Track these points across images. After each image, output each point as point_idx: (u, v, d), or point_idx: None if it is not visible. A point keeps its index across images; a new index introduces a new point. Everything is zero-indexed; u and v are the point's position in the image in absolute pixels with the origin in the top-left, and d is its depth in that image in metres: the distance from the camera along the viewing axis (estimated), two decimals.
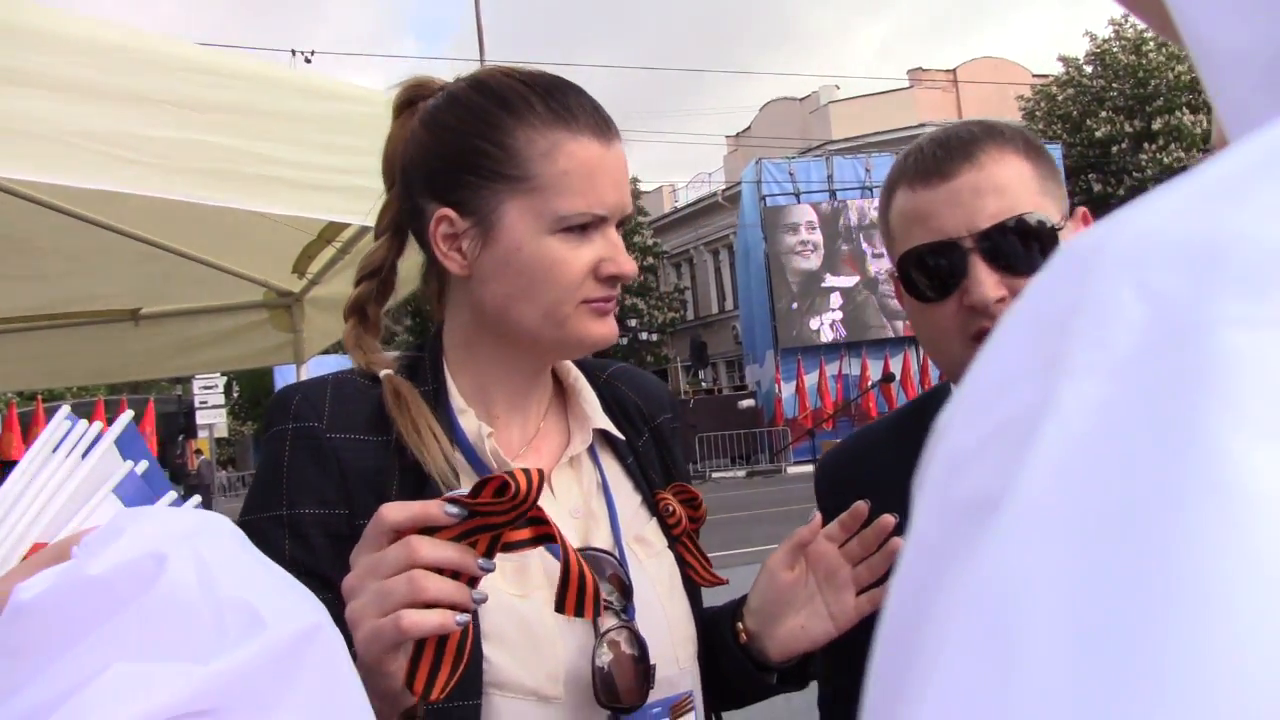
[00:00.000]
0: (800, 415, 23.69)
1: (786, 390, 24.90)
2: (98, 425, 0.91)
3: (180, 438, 24.90)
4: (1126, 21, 27.74)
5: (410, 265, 1.33)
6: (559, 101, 1.20)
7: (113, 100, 1.83)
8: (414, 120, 1.24)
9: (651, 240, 35.81)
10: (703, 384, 35.11)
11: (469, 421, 1.22)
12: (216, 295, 4.13)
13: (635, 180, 35.14)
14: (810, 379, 24.68)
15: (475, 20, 20.10)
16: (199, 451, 24.48)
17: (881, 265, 25.11)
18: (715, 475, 24.12)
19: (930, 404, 1.45)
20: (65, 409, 0.92)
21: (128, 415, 0.96)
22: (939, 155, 1.30)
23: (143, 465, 0.96)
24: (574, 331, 1.20)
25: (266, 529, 1.13)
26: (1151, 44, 26.91)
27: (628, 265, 1.21)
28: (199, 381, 22.63)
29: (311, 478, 1.15)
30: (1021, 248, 1.27)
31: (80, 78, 1.81)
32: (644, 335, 33.04)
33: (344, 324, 1.29)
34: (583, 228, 1.18)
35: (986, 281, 1.26)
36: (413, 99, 1.26)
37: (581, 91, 1.23)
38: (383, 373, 1.22)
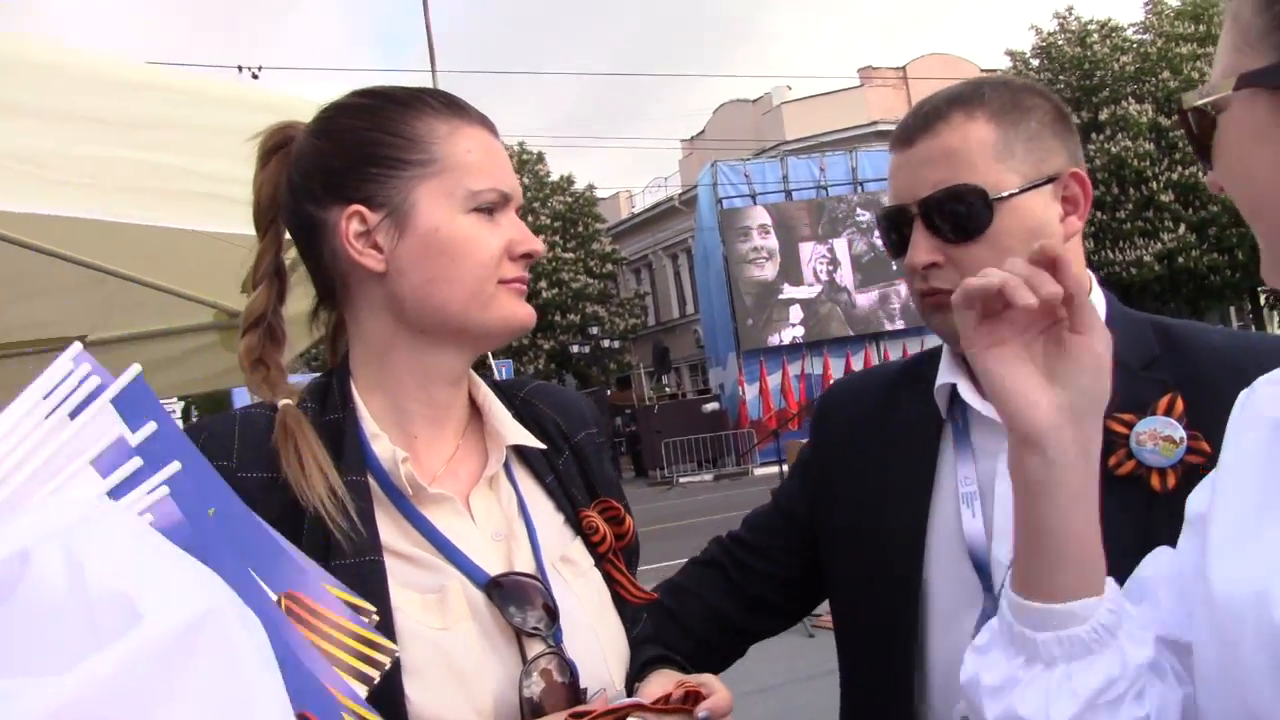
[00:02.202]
0: (765, 416, 23.73)
1: (750, 392, 24.94)
2: (94, 378, 0.77)
3: None
4: (1070, 14, 28.13)
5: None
6: (448, 97, 1.26)
7: (39, 118, 1.74)
8: (289, 156, 1.26)
9: (610, 247, 35.77)
10: (666, 389, 35.12)
11: (382, 447, 1.19)
12: (166, 318, 4.01)
13: (591, 187, 35.12)
14: (773, 380, 24.74)
15: (426, 33, 19.98)
16: None
17: (843, 267, 25.23)
18: (682, 480, 24.12)
19: (925, 362, 1.52)
20: (76, 346, 0.79)
21: (134, 369, 0.81)
22: (909, 124, 1.39)
23: (147, 428, 0.78)
24: (499, 312, 1.22)
25: None
26: (1095, 36, 27.27)
27: (537, 244, 1.25)
28: None
29: None
30: (960, 216, 1.32)
31: (3, 96, 1.72)
32: (606, 343, 32.98)
33: (248, 369, 1.25)
34: (490, 210, 1.21)
35: (919, 246, 1.35)
36: (283, 142, 1.27)
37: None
38: (281, 403, 1.18)
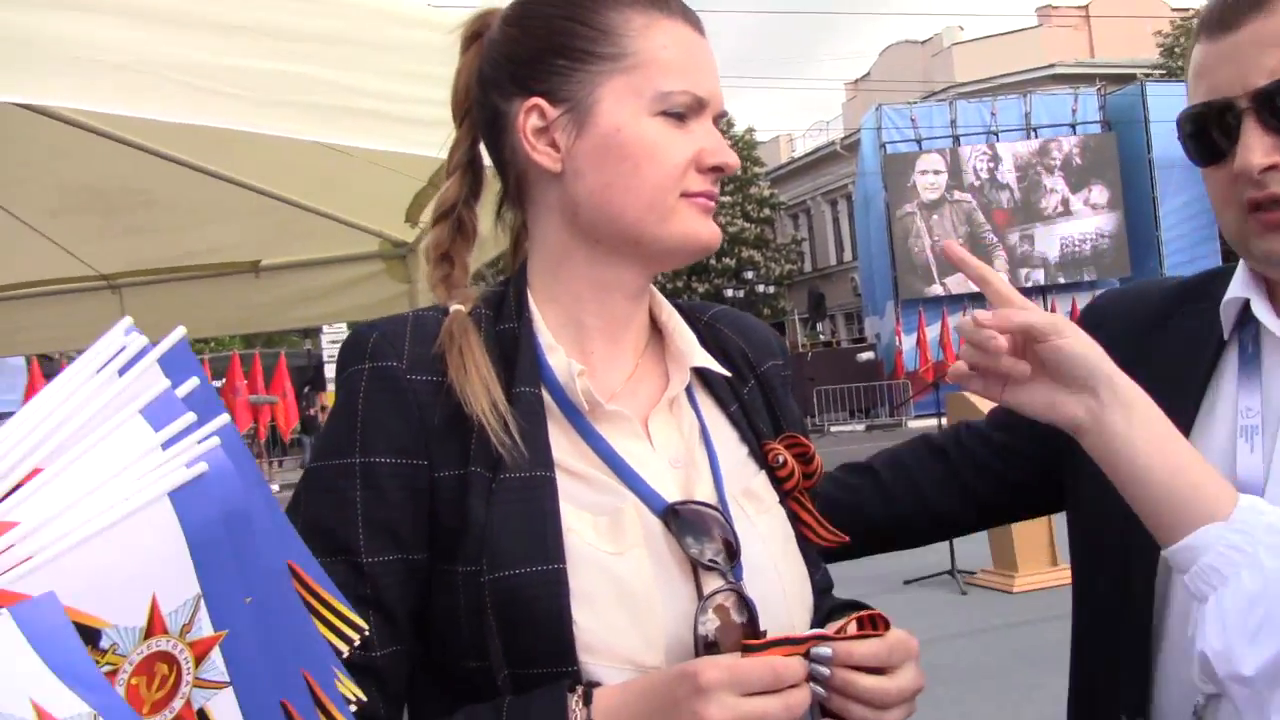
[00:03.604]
0: (921, 368, 23.13)
1: (907, 343, 24.35)
2: (142, 340, 0.82)
3: (307, 389, 25.70)
4: None
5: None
6: None
7: (195, 29, 1.75)
8: (486, 43, 1.19)
9: (768, 191, 35.32)
10: (820, 336, 34.68)
11: (558, 360, 1.12)
12: (333, 246, 4.13)
13: (751, 130, 34.67)
14: (932, 331, 24.07)
15: None
16: (325, 408, 25.28)
17: (1013, 223, 24.25)
18: (834, 429, 23.86)
19: (1211, 284, 1.32)
20: (126, 321, 0.83)
21: (179, 332, 0.87)
22: (1226, 4, 1.15)
23: (190, 383, 0.86)
24: (679, 227, 1.13)
25: (334, 479, 1.05)
26: None
27: (731, 156, 1.15)
28: (327, 335, 23.32)
29: (389, 423, 1.06)
30: None
31: (160, 5, 1.74)
32: (761, 288, 32.73)
33: (433, 263, 1.20)
34: (681, 116, 1.12)
35: (1255, 147, 1.12)
36: (481, 29, 1.21)
37: None
38: (453, 307, 1.13)
